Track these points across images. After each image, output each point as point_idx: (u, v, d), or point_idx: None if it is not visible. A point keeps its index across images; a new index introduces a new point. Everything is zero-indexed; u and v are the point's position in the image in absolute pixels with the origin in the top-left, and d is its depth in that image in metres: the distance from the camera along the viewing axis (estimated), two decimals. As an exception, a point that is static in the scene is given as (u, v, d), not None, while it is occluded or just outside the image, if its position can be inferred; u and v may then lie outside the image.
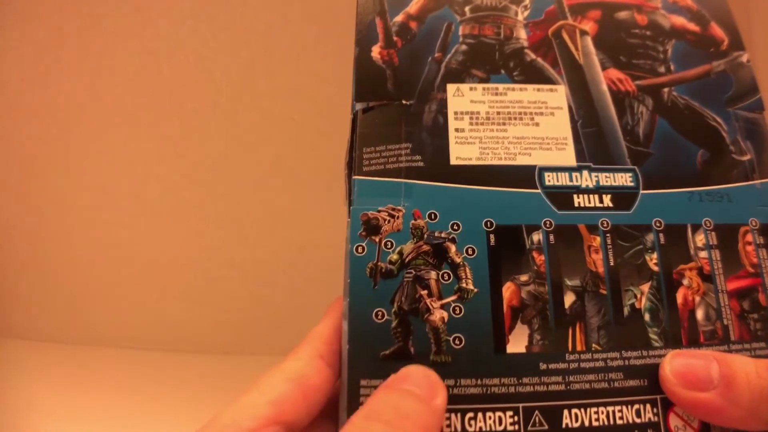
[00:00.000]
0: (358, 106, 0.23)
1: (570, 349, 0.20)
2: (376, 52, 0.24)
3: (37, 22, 0.55)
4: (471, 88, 0.24)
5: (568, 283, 0.21)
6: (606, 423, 0.19)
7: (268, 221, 0.58)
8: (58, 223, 0.58)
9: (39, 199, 0.58)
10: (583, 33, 0.25)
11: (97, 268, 0.59)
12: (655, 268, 0.21)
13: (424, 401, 0.18)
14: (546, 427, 0.19)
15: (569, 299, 0.21)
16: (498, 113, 0.23)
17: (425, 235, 0.21)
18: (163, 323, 0.59)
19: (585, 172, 0.22)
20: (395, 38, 0.25)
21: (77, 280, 0.59)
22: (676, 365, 0.20)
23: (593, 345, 0.20)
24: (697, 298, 0.21)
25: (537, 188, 0.22)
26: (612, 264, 0.21)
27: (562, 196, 0.22)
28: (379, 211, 0.21)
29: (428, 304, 0.20)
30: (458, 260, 0.21)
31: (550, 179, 0.22)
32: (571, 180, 0.22)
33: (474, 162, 0.22)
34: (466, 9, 0.26)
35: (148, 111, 0.56)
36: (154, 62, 0.56)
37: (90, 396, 0.52)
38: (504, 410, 0.19)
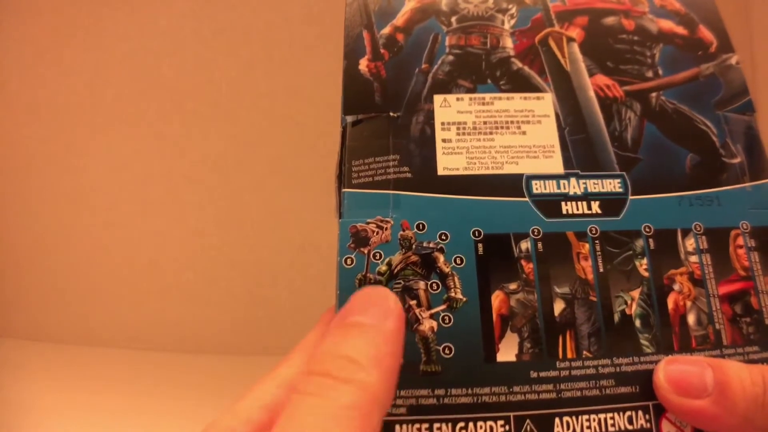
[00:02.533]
0: (348, 119, 0.24)
1: (560, 356, 0.20)
2: (363, 65, 0.25)
3: (37, 22, 0.56)
4: (458, 99, 0.24)
5: (558, 290, 0.21)
6: (598, 430, 0.19)
7: (268, 221, 0.58)
8: (58, 223, 0.59)
9: (39, 199, 0.59)
10: (570, 40, 0.26)
11: (97, 268, 0.59)
12: (645, 274, 0.21)
13: (374, 329, 0.17)
14: None
15: (559, 307, 0.21)
16: (485, 123, 0.23)
17: (413, 246, 0.21)
18: (163, 323, 0.59)
19: (573, 179, 0.22)
20: (382, 51, 0.25)
21: (77, 280, 0.59)
22: (670, 372, 0.19)
23: (584, 352, 0.20)
24: (689, 303, 0.21)
25: (525, 196, 0.22)
26: (601, 270, 0.21)
27: (550, 204, 0.22)
28: (367, 223, 0.21)
29: (417, 314, 0.20)
30: (447, 270, 0.21)
31: (538, 187, 0.22)
32: (558, 187, 0.22)
33: (461, 172, 0.22)
34: (453, 20, 0.26)
35: (148, 111, 0.57)
36: (154, 62, 0.56)
37: (90, 396, 0.52)
38: (495, 419, 0.19)
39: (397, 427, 0.19)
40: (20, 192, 0.59)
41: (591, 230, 0.22)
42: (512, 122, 0.23)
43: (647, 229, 0.22)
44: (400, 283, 0.21)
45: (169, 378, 0.55)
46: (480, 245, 0.21)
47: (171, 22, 0.56)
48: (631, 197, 0.22)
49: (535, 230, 0.22)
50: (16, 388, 0.53)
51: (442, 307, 0.20)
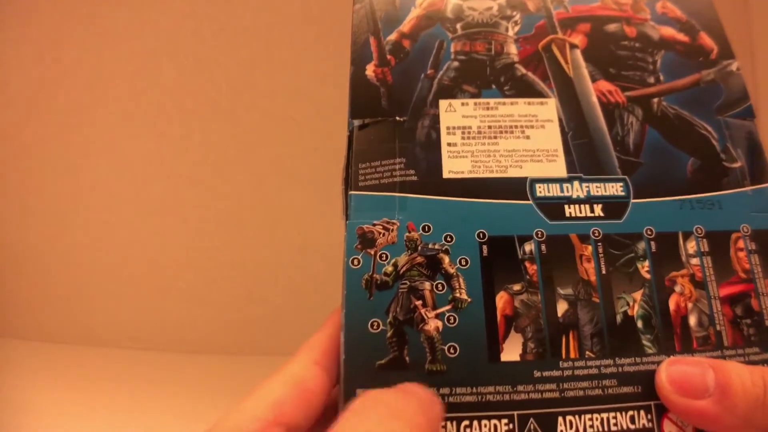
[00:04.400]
0: (355, 123, 0.24)
1: (564, 356, 0.20)
2: (370, 70, 0.25)
3: (37, 22, 0.56)
4: (463, 104, 0.24)
5: (561, 291, 0.21)
6: (600, 429, 0.20)
7: (268, 221, 0.58)
8: (58, 223, 0.59)
9: (39, 199, 0.59)
10: (573, 46, 0.26)
11: (97, 268, 0.59)
12: (647, 276, 0.22)
13: (423, 402, 0.18)
14: None
15: (562, 308, 0.21)
16: (489, 127, 0.24)
17: (419, 247, 0.22)
18: (163, 323, 0.60)
19: (576, 183, 0.23)
20: (389, 56, 0.26)
21: (77, 280, 0.60)
22: (672, 373, 0.20)
23: (587, 352, 0.21)
24: (690, 305, 0.21)
25: (528, 199, 0.22)
26: (604, 272, 0.22)
27: (553, 207, 0.22)
28: (374, 225, 0.22)
29: (423, 314, 0.21)
30: (452, 271, 0.21)
31: (542, 190, 0.23)
32: (562, 191, 0.23)
33: (466, 175, 0.23)
34: (458, 26, 0.27)
35: (149, 111, 0.57)
36: (154, 62, 0.57)
37: (90, 396, 0.52)
38: (499, 418, 0.20)
39: (403, 424, 0.19)
40: (20, 192, 0.59)
41: (594, 233, 0.22)
42: (516, 127, 0.24)
43: (649, 232, 0.22)
44: (405, 283, 0.21)
45: (169, 378, 0.55)
46: (484, 247, 0.22)
47: (171, 22, 0.56)
48: (633, 201, 0.23)
49: (539, 233, 0.22)
50: (16, 388, 0.54)
51: (448, 307, 0.21)
